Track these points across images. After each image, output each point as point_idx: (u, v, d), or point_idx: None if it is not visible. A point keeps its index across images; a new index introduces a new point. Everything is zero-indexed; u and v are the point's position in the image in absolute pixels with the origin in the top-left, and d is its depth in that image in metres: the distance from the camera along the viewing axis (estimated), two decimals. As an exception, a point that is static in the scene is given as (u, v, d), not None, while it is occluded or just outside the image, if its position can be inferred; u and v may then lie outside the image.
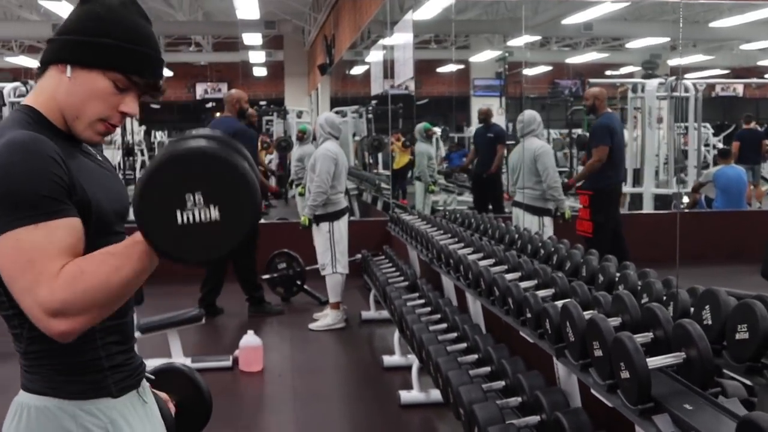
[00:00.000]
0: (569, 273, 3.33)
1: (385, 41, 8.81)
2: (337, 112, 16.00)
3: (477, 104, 18.36)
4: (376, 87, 9.60)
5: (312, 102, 20.02)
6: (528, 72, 19.39)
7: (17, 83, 8.76)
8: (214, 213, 1.21)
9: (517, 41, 15.31)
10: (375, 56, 9.92)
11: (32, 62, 16.39)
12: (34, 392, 1.44)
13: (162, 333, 4.71)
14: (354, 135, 14.35)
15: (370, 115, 13.26)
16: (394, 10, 7.97)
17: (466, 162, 10.19)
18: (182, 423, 1.87)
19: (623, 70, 20.98)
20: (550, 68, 21.80)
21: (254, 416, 4.23)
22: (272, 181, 13.27)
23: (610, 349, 2.13)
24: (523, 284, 3.17)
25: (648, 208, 9.47)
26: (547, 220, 5.69)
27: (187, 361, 4.76)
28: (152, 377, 1.72)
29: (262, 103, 21.09)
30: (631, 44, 18.16)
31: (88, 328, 1.32)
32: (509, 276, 3.35)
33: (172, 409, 1.83)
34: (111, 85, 1.43)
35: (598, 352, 2.23)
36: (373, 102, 12.73)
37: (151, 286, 5.23)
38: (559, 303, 2.62)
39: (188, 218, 1.21)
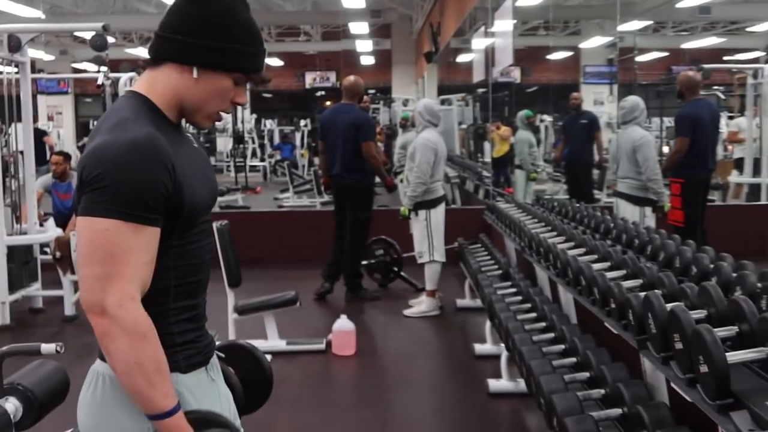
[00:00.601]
0: (663, 264, 3.22)
1: (489, 28, 8.71)
2: (443, 101, 15.97)
3: (587, 92, 17.94)
4: (478, 74, 9.50)
5: (419, 90, 20.02)
6: (641, 58, 18.75)
7: (132, 73, 9.10)
8: None
9: (629, 26, 14.83)
10: (477, 43, 9.81)
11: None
12: None
13: (258, 315, 4.85)
14: (460, 123, 14.27)
15: (476, 103, 13.15)
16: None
17: (557, 152, 9.96)
18: (247, 397, 1.91)
19: (745, 56, 20.00)
20: (665, 54, 21.00)
21: (343, 399, 4.30)
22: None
23: (690, 342, 2.06)
24: (611, 274, 3.10)
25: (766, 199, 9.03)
26: (649, 211, 5.51)
27: (282, 344, 4.89)
28: (222, 355, 1.78)
29: (371, 91, 21.27)
30: (754, 28, 17.27)
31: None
32: (597, 266, 3.28)
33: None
34: (231, 82, 1.53)
35: (679, 345, 2.16)
36: (480, 90, 12.62)
37: (248, 269, 5.46)
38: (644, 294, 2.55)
39: None
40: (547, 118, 18.39)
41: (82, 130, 21.71)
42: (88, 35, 7.07)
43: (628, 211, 5.51)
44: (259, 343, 4.87)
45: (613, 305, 2.77)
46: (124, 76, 9.82)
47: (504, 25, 6.99)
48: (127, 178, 1.38)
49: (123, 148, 1.40)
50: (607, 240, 3.96)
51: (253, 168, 17.74)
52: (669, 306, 2.31)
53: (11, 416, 1.83)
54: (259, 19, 18.67)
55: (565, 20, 18.02)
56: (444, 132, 15.18)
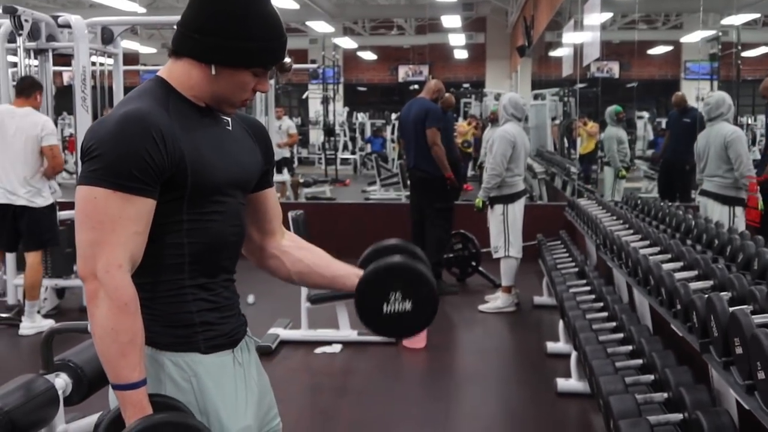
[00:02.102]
0: (741, 266, 3.08)
1: (579, 21, 8.51)
2: (536, 96, 15.73)
3: (688, 88, 17.32)
4: (567, 69, 9.30)
5: (512, 85, 19.79)
6: (748, 53, 17.97)
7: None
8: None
9: (733, 20, 14.23)
10: (568, 37, 9.61)
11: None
12: None
13: (331, 305, 4.89)
14: (554, 118, 14.03)
15: (570, 99, 12.87)
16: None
17: (662, 149, 9.65)
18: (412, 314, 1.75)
19: None
20: (774, 49, 20.04)
21: (410, 391, 4.28)
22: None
23: (749, 347, 1.96)
24: (683, 274, 2.98)
25: None
26: (739, 210, 5.26)
27: (354, 334, 4.92)
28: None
29: (466, 85, 21.16)
30: None
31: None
32: (669, 265, 3.16)
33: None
34: (250, 74, 1.54)
35: (739, 350, 2.06)
36: (580, 85, 12.36)
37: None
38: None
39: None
40: (646, 115, 17.87)
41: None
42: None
43: (716, 211, 5.28)
44: (330, 333, 4.93)
45: (678, 306, 2.67)
46: (161, 69, 10.08)
47: (592, 18, 6.81)
48: (112, 149, 1.42)
49: (113, 121, 1.45)
50: (688, 240, 3.82)
51: (345, 161, 17.91)
52: (733, 309, 2.21)
53: (60, 391, 1.89)
54: (354, 13, 18.72)
55: (666, 13, 17.45)
56: (536, 127, 15.05)
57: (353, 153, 18.73)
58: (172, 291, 1.51)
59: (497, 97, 15.86)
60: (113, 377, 1.43)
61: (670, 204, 4.83)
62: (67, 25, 5.63)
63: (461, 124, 14.93)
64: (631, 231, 4.18)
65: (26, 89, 5.14)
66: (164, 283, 1.52)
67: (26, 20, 5.38)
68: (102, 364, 1.45)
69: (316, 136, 19.53)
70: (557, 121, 13.93)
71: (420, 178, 6.30)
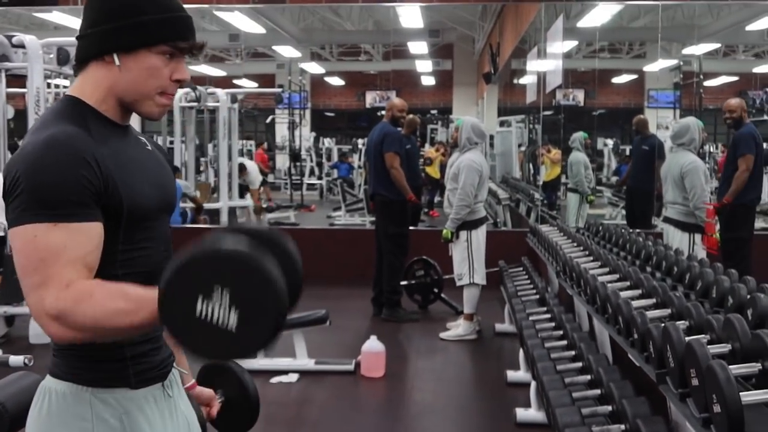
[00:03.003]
0: (700, 293, 3.04)
1: (541, 49, 8.55)
2: (502, 122, 15.80)
3: (652, 116, 17.51)
4: (531, 96, 9.34)
5: (479, 111, 19.88)
6: (709, 82, 18.26)
7: (187, 89, 9.23)
8: (233, 318, 1.17)
9: (694, 49, 14.46)
10: (531, 65, 9.67)
11: (213, 71, 17.29)
12: (57, 377, 1.44)
13: (288, 333, 4.78)
14: (519, 145, 14.09)
15: (536, 126, 12.94)
16: (550, 17, 7.71)
17: (625, 176, 9.70)
18: (228, 420, 1.83)
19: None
20: (735, 78, 20.41)
21: (367, 422, 4.18)
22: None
23: (705, 378, 1.89)
24: (640, 302, 2.93)
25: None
26: (698, 238, 5.26)
27: (311, 363, 4.80)
28: (186, 371, 1.70)
29: (433, 111, 21.22)
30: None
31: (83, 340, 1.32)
32: (627, 293, 3.10)
33: (215, 406, 1.79)
34: (160, 58, 1.43)
35: (695, 381, 1.99)
36: (545, 112, 12.41)
37: None
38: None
39: (207, 313, 1.17)
40: (609, 142, 18.05)
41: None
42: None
43: (677, 238, 5.28)
44: (287, 362, 4.81)
45: (636, 335, 2.60)
46: (179, 92, 9.97)
47: (555, 46, 6.83)
48: (44, 178, 1.30)
49: (37, 147, 1.33)
50: (648, 267, 3.77)
51: (311, 186, 17.80)
52: (690, 339, 2.14)
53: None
54: (320, 38, 18.70)
55: (630, 42, 17.68)
56: (502, 154, 15.11)
57: (320, 178, 18.63)
58: None
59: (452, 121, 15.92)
60: (137, 327, 1.29)
61: (631, 231, 4.80)
62: (21, 45, 5.51)
63: (429, 151, 14.93)
64: (591, 258, 4.13)
65: None
66: None
67: (-24, 39, 5.26)
68: (118, 335, 1.34)
69: (282, 161, 19.41)
70: (523, 148, 14.00)
71: (378, 202, 6.28)
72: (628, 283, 3.33)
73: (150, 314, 1.25)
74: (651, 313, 2.72)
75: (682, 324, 2.52)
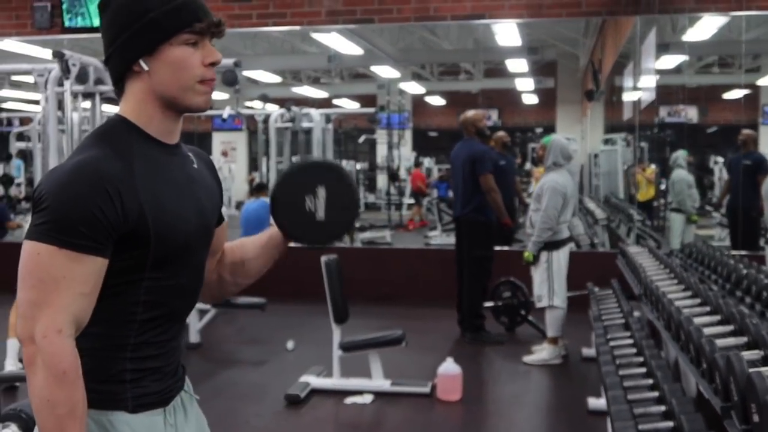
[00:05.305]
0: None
1: (637, 65, 8.26)
2: (606, 140, 15.38)
3: (766, 133, 16.73)
4: (628, 113, 9.02)
5: (583, 129, 19.44)
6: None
7: (282, 110, 9.39)
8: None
9: (812, 61, 13.67)
10: (627, 81, 9.36)
11: (315, 92, 17.57)
12: None
13: (364, 353, 4.73)
14: (624, 164, 13.67)
15: (641, 144, 12.51)
16: (647, 31, 7.42)
17: (721, 194, 9.21)
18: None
19: None
20: None
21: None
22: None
23: (764, 416, 1.73)
24: (716, 329, 2.73)
25: None
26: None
27: (387, 384, 4.73)
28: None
29: (538, 130, 20.91)
30: None
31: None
32: (704, 319, 2.90)
33: None
34: (183, 48, 1.42)
35: (756, 417, 1.82)
36: (654, 130, 11.95)
37: (378, 305, 5.52)
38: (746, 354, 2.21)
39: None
40: (720, 160, 17.28)
41: (252, 164, 22.74)
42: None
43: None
44: (362, 382, 4.75)
45: (704, 365, 2.42)
46: (274, 113, 10.17)
47: (648, 61, 6.57)
48: (61, 203, 1.31)
49: (65, 171, 1.35)
50: (737, 292, 3.54)
51: (411, 206, 17.79)
52: (752, 370, 1.96)
53: (4, 442, 1.79)
54: (418, 58, 18.70)
55: (742, 55, 16.90)
56: (607, 173, 14.65)
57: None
58: (113, 346, 1.40)
59: (568, 141, 15.56)
60: None
61: (733, 253, 4.52)
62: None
63: (539, 170, 14.67)
64: (675, 281, 3.91)
65: None
66: (107, 337, 1.40)
67: (74, 64, 5.49)
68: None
69: (382, 181, 19.50)
70: (626, 167, 13.58)
71: (463, 221, 6.14)
72: (708, 308, 3.12)
73: None
74: (726, 341, 2.53)
75: (756, 354, 2.33)
